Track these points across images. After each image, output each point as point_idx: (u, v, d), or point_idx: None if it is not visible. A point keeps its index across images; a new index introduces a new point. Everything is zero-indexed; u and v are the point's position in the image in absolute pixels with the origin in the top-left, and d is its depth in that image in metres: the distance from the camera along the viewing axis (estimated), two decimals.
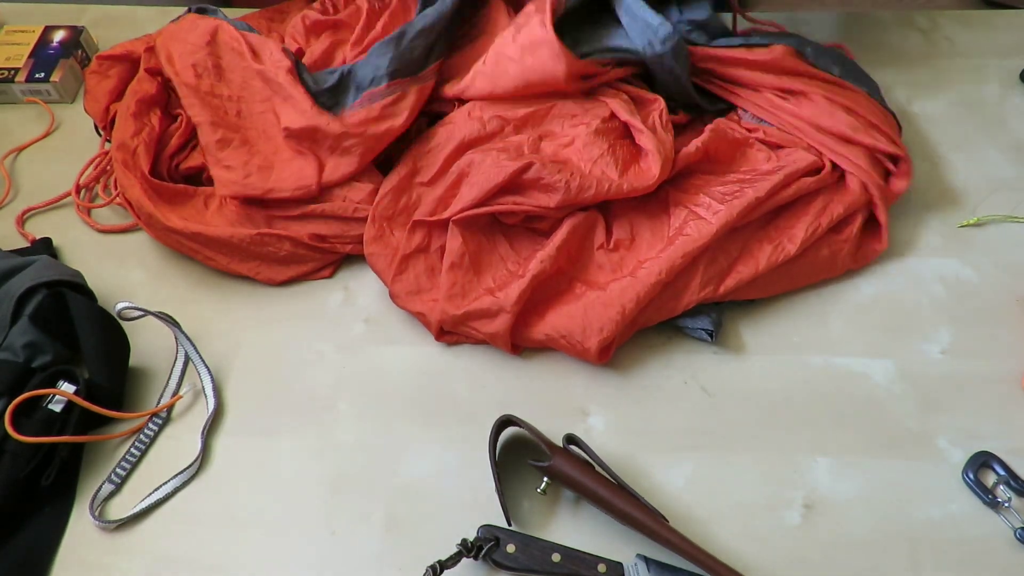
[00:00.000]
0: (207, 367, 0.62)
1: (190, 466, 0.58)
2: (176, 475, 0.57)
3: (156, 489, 0.57)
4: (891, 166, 0.69)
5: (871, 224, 0.69)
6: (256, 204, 0.67)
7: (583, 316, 0.61)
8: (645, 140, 0.65)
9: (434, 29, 0.68)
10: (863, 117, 0.69)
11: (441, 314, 0.62)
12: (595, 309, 0.60)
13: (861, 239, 0.68)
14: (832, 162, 0.68)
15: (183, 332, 0.63)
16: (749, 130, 0.71)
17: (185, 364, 0.63)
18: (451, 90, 0.70)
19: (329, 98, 0.68)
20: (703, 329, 0.63)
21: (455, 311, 0.62)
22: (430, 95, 0.70)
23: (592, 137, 0.66)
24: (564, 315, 0.61)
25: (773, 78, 0.70)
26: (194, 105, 0.69)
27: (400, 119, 0.67)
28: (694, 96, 0.73)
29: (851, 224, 0.67)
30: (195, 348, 0.63)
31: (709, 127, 0.70)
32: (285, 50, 0.70)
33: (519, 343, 0.63)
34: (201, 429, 0.59)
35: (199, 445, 0.58)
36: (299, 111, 0.67)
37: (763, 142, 0.70)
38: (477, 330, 0.62)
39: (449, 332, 0.64)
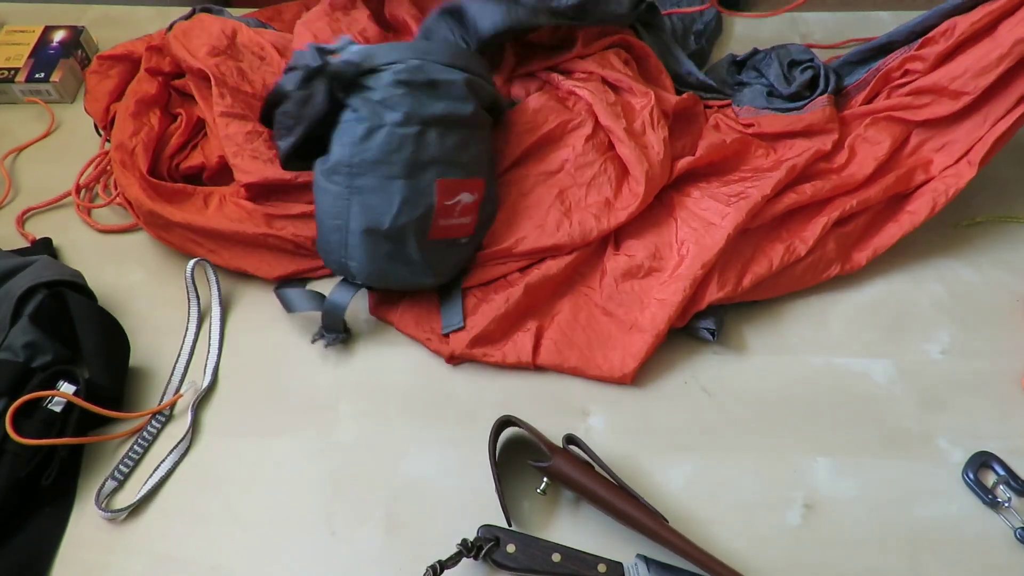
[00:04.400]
0: (221, 335, 0.64)
1: (181, 440, 0.58)
2: (169, 452, 0.58)
3: (155, 470, 0.57)
4: None
5: (881, 220, 0.69)
6: (263, 197, 0.67)
7: (623, 346, 0.62)
8: (626, 152, 0.65)
9: None
10: None
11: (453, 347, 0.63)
12: (631, 337, 0.62)
13: (867, 232, 0.68)
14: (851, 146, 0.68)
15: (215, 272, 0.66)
16: (745, 124, 0.71)
17: (190, 355, 0.64)
18: None
19: None
20: (706, 328, 0.63)
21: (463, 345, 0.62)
22: None
23: (584, 150, 0.65)
24: (597, 345, 0.62)
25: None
26: (224, 95, 0.68)
27: None
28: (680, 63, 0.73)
29: (857, 218, 0.67)
30: (220, 297, 0.66)
31: (708, 125, 0.69)
32: None
33: (550, 367, 0.63)
34: (192, 403, 0.60)
35: (188, 418, 0.59)
36: None
37: (759, 135, 0.70)
38: (490, 357, 0.62)
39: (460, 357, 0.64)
